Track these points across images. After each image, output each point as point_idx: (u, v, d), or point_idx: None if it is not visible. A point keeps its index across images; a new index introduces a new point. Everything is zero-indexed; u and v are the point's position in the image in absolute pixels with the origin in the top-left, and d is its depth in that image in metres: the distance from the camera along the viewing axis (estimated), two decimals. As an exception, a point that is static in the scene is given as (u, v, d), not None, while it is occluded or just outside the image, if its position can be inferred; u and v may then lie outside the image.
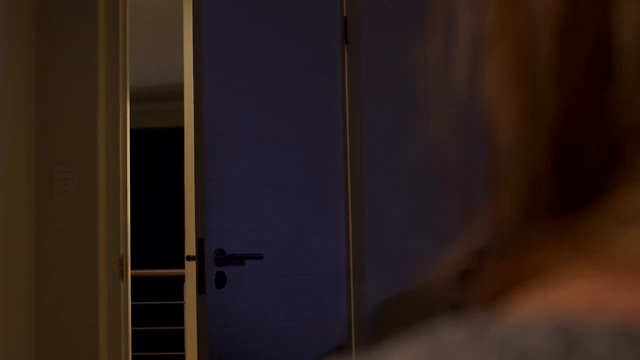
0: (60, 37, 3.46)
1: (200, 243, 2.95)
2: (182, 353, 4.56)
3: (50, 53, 3.46)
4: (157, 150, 7.49)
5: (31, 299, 3.36)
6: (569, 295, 0.25)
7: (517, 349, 0.23)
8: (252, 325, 3.14)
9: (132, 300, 3.45)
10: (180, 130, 3.77)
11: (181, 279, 4.55)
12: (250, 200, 3.17)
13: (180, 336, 5.58)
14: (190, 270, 3.60)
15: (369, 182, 3.60)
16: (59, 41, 3.46)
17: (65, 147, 3.41)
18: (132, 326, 3.45)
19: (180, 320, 5.54)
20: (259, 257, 3.15)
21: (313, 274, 3.44)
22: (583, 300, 0.25)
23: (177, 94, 4.24)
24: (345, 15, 3.69)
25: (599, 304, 0.24)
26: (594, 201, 0.27)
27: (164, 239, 7.19)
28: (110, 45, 3.46)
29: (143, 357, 5.77)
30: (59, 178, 3.40)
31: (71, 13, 3.46)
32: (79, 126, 3.41)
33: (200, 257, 2.95)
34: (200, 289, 2.93)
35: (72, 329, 3.34)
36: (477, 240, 0.29)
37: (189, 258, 3.17)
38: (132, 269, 3.46)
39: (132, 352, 3.44)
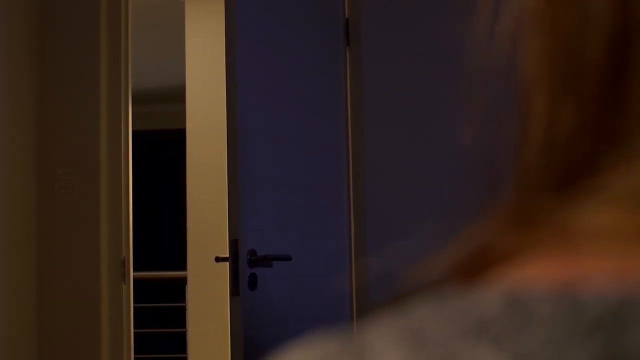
0: (63, 38, 3.46)
1: (234, 244, 2.91)
2: (184, 355, 4.56)
3: (53, 55, 3.46)
4: (159, 151, 7.49)
5: (33, 301, 3.36)
6: (528, 273, 0.27)
7: (474, 317, 0.26)
8: (269, 326, 3.13)
9: (134, 302, 3.45)
10: (183, 131, 3.78)
11: (183, 281, 4.55)
12: (258, 200, 3.16)
13: (182, 338, 5.58)
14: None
15: (370, 182, 3.60)
16: (61, 43, 3.46)
17: (67, 148, 3.41)
18: (134, 328, 3.44)
19: (182, 322, 5.54)
20: (288, 258, 3.15)
21: (317, 274, 3.44)
22: (534, 274, 0.27)
23: (179, 96, 4.24)
24: (347, 17, 3.69)
25: (547, 275, 0.26)
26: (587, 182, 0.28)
27: (166, 241, 7.19)
28: (112, 46, 3.46)
29: (145, 359, 5.77)
30: (60, 180, 3.40)
31: (73, 15, 3.46)
32: (80, 128, 3.41)
33: (234, 258, 2.91)
34: (235, 290, 2.89)
35: (74, 331, 3.33)
36: (477, 237, 0.30)
37: (219, 259, 3.15)
38: (134, 271, 3.46)
39: (134, 354, 3.43)
